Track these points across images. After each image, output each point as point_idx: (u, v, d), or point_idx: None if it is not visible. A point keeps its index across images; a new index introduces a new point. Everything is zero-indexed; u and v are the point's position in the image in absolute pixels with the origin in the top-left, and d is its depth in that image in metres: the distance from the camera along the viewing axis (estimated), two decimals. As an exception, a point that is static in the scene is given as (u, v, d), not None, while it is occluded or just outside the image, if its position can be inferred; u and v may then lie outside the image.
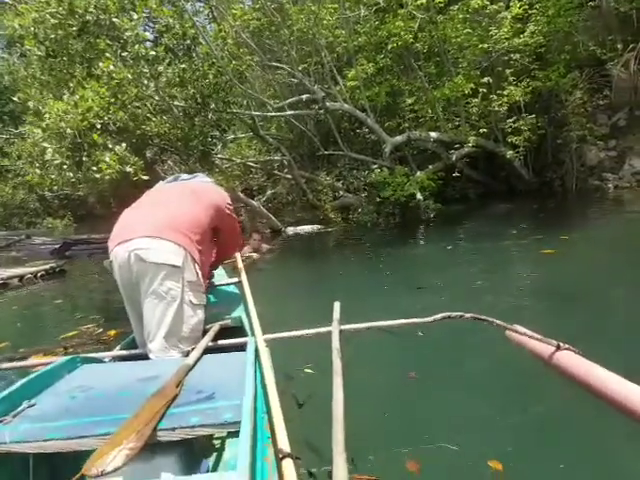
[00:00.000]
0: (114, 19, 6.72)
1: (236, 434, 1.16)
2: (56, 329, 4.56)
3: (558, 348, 1.57)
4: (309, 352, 2.74)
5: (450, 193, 11.32)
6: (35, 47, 6.96)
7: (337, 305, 2.30)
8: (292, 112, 10.64)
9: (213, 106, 8.60)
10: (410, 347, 2.98)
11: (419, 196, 9.63)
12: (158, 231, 1.98)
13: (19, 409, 1.37)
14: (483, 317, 1.86)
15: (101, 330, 4.06)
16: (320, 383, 2.39)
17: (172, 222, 2.03)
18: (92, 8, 6.65)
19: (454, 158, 10.59)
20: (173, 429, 1.22)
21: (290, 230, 10.89)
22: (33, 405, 1.41)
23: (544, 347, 1.61)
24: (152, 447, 1.18)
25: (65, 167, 6.17)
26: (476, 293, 4.34)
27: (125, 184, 7.13)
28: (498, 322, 1.80)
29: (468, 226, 8.73)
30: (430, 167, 10.63)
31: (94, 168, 6.10)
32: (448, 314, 1.95)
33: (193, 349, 1.88)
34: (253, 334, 2.03)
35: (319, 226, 10.89)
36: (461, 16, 9.34)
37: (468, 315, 1.90)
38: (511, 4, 9.42)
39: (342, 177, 12.31)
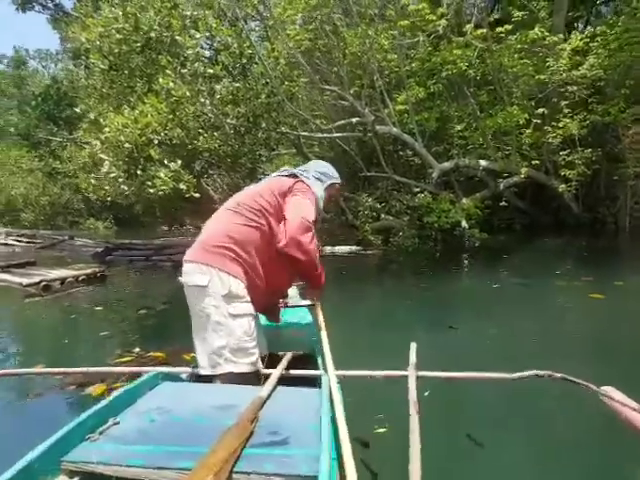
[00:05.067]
0: (177, 37, 6.88)
1: None
2: (100, 347, 4.48)
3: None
4: (379, 392, 2.61)
5: (495, 223, 11.07)
6: (99, 60, 7.18)
7: (414, 347, 2.12)
8: (340, 134, 10.64)
9: (264, 125, 8.68)
10: (484, 402, 2.82)
11: (464, 224, 9.46)
12: (195, 254, 2.11)
13: (105, 426, 1.44)
14: (574, 379, 1.75)
15: (150, 352, 3.98)
16: (394, 434, 2.28)
17: (206, 241, 2.12)
18: (156, 25, 6.83)
19: (502, 187, 10.39)
20: (248, 474, 1.22)
21: (327, 249, 10.79)
22: (117, 423, 1.47)
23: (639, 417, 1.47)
24: None
25: (120, 180, 6.29)
26: (519, 339, 4.12)
27: (175, 196, 7.24)
28: (590, 385, 1.69)
29: (513, 260, 8.48)
30: (477, 195, 10.44)
31: (149, 183, 6.19)
32: (535, 372, 1.84)
33: (255, 368, 1.97)
34: (325, 368, 1.98)
35: (357, 247, 10.78)
36: (519, 46, 9.18)
37: (557, 375, 1.80)
38: (571, 36, 9.22)
39: (383, 199, 12.20)
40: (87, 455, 1.29)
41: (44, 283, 7.31)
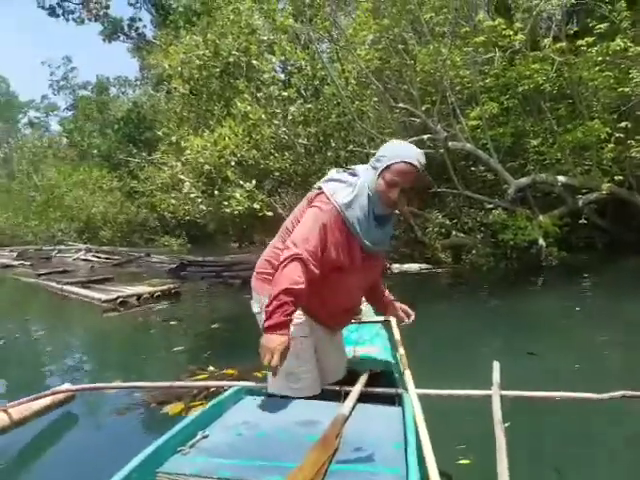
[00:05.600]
0: (253, 61, 7.14)
1: None
2: (175, 363, 4.68)
3: None
4: (456, 414, 2.51)
5: (573, 241, 10.51)
6: (180, 85, 7.56)
7: (497, 365, 2.08)
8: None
9: (333, 144, 8.80)
10: (568, 428, 2.65)
11: (542, 242, 9.06)
12: (252, 282, 2.18)
13: (195, 440, 1.50)
14: None
15: (222, 370, 4.04)
16: (479, 468, 2.18)
17: (255, 269, 2.17)
18: (235, 50, 7.12)
19: (580, 204, 9.89)
20: None
21: (395, 267, 10.60)
22: (206, 437, 1.54)
23: None
24: None
25: (199, 200, 6.56)
26: (606, 370, 3.91)
27: (247, 215, 7.45)
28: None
29: (595, 281, 8.00)
30: (555, 212, 9.99)
31: (225, 203, 6.41)
32: (631, 393, 1.73)
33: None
34: (404, 386, 1.99)
35: (426, 265, 10.55)
36: (600, 58, 8.78)
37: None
38: (658, 45, 8.70)
39: (453, 215, 11.88)
40: (180, 467, 1.35)
41: (121, 299, 7.71)
